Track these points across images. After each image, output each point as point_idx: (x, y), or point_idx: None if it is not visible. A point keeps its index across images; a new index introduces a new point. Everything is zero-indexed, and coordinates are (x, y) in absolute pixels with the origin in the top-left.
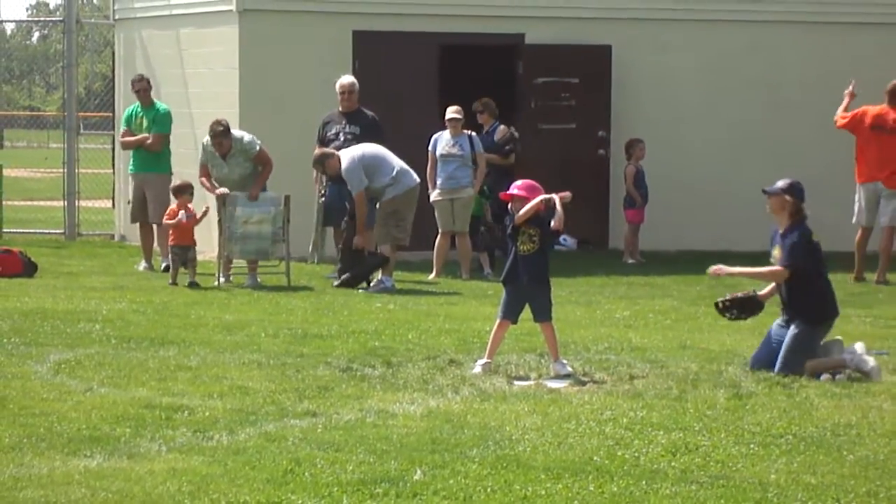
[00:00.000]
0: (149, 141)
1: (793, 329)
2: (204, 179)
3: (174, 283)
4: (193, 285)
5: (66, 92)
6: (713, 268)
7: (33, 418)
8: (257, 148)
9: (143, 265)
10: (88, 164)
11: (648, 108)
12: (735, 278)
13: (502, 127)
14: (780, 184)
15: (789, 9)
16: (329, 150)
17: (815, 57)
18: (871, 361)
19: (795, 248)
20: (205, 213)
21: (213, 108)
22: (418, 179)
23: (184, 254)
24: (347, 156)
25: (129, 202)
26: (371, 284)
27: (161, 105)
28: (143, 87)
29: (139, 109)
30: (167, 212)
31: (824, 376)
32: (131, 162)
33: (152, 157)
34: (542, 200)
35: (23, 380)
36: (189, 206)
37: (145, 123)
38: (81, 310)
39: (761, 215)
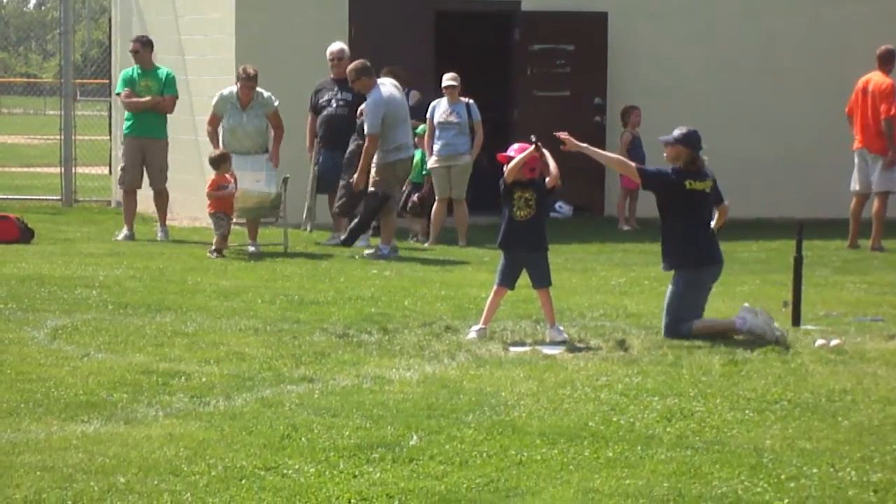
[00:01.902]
0: (163, 103)
1: (669, 286)
2: (211, 129)
3: (219, 253)
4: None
5: (63, 59)
6: (563, 135)
7: (30, 384)
8: (275, 104)
9: (124, 233)
10: (85, 131)
11: (644, 76)
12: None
13: (414, 92)
14: (676, 133)
15: None
16: (368, 68)
17: (811, 24)
18: (762, 326)
19: (662, 171)
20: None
21: (210, 75)
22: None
23: (228, 220)
24: (379, 93)
25: (122, 167)
26: (368, 252)
27: (167, 68)
28: (135, 49)
29: (140, 71)
30: (209, 182)
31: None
32: (130, 124)
33: (157, 121)
34: (530, 152)
35: (20, 345)
36: (228, 175)
37: (153, 86)
38: (78, 276)
39: (756, 182)
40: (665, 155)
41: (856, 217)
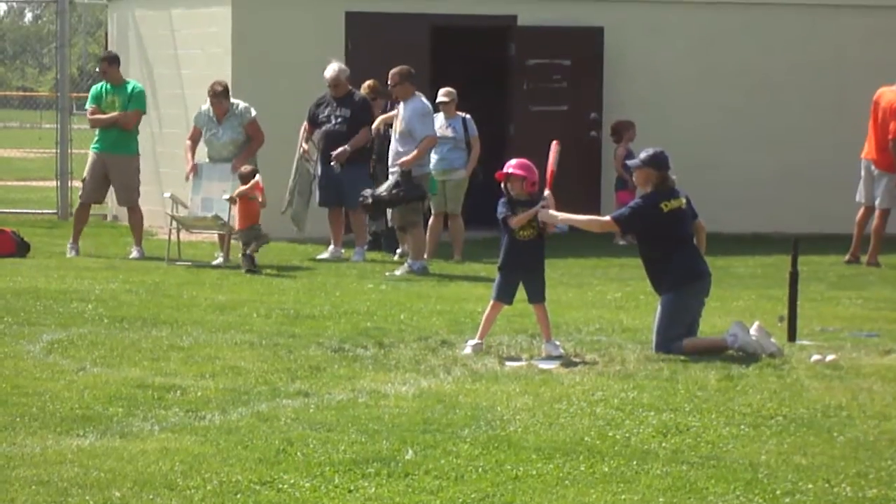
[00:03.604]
0: (124, 119)
1: (658, 306)
2: (190, 143)
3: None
4: (251, 271)
5: (59, 72)
6: (542, 215)
7: (26, 398)
8: (252, 115)
9: (71, 249)
10: (81, 145)
11: (640, 91)
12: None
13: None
14: (643, 156)
15: None
16: (412, 74)
17: (807, 39)
18: (753, 344)
19: (635, 206)
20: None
21: (206, 89)
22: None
23: (255, 233)
24: (422, 104)
25: (83, 179)
26: (400, 269)
27: (135, 83)
28: (103, 65)
29: (108, 87)
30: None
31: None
32: (96, 140)
33: (123, 138)
34: (536, 209)
35: (15, 359)
36: (257, 191)
37: (118, 102)
38: (74, 290)
39: (752, 197)
40: (634, 179)
41: (860, 228)
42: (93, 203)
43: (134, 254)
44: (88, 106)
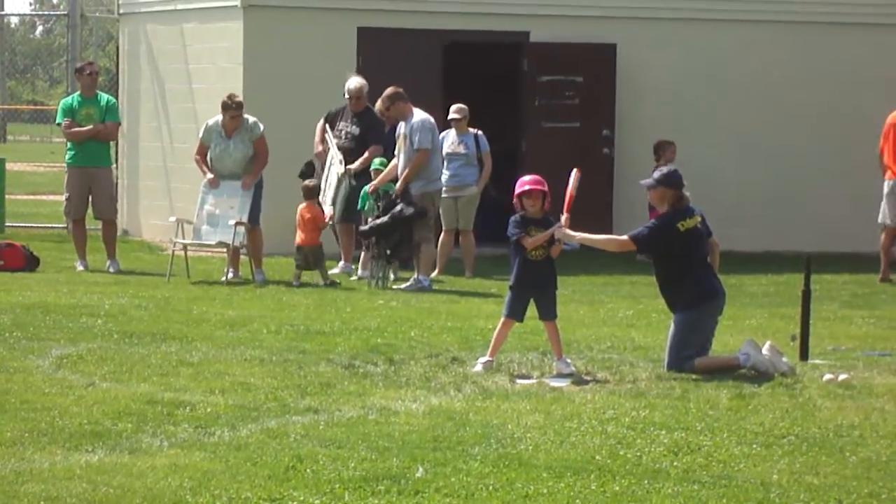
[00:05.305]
0: (105, 131)
1: (671, 324)
2: (199, 158)
3: (299, 284)
4: (331, 284)
5: (70, 86)
6: (559, 233)
7: (35, 413)
8: (261, 130)
9: (80, 265)
10: None
11: (653, 107)
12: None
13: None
14: (656, 175)
15: (795, 9)
16: (402, 93)
17: (820, 56)
18: (766, 363)
19: (652, 227)
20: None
21: (217, 104)
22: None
23: (315, 253)
24: (426, 116)
25: (67, 197)
26: (407, 283)
27: (107, 95)
28: (95, 71)
29: (80, 99)
30: (299, 211)
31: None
32: (73, 154)
33: (101, 150)
34: (549, 233)
35: (24, 374)
36: (316, 205)
37: (95, 113)
38: (83, 304)
39: (766, 214)
40: (649, 199)
41: (887, 251)
42: (83, 218)
43: (110, 268)
44: (61, 119)
